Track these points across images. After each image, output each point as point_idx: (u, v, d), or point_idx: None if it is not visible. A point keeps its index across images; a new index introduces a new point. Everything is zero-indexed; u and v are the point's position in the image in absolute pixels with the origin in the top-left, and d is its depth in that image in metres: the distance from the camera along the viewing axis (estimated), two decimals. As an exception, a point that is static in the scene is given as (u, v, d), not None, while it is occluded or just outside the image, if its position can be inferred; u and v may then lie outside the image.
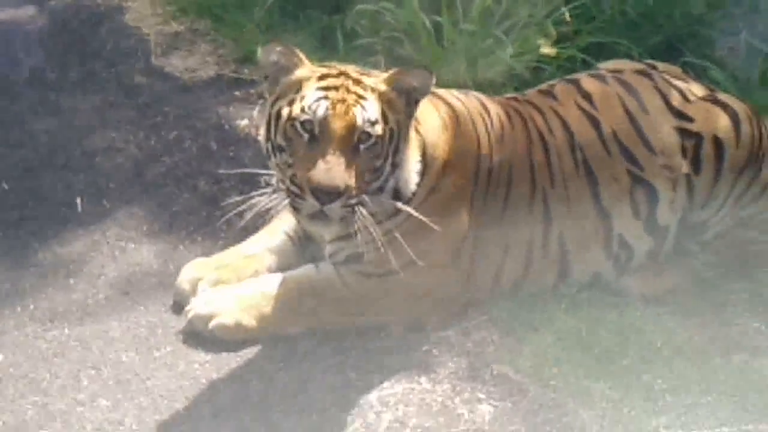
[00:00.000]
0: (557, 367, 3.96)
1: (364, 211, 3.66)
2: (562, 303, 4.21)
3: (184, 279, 4.15)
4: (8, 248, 4.40)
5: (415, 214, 3.83)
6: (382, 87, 3.82)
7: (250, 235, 4.34)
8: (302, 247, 4.26)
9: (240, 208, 3.75)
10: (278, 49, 3.85)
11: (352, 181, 3.60)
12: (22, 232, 4.49)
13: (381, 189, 3.79)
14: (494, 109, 4.22)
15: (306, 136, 3.67)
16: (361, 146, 3.69)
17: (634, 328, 4.12)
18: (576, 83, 4.42)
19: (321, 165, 3.57)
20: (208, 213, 4.61)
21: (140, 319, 4.11)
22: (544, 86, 4.53)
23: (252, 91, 5.18)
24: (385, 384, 3.89)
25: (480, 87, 4.57)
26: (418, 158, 3.94)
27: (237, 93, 5.18)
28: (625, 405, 3.80)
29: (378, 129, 3.71)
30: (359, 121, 3.67)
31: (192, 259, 4.26)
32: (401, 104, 3.84)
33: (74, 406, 3.75)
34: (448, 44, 5.19)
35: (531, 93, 4.46)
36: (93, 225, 4.52)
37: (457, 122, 4.08)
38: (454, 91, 4.29)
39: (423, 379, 3.91)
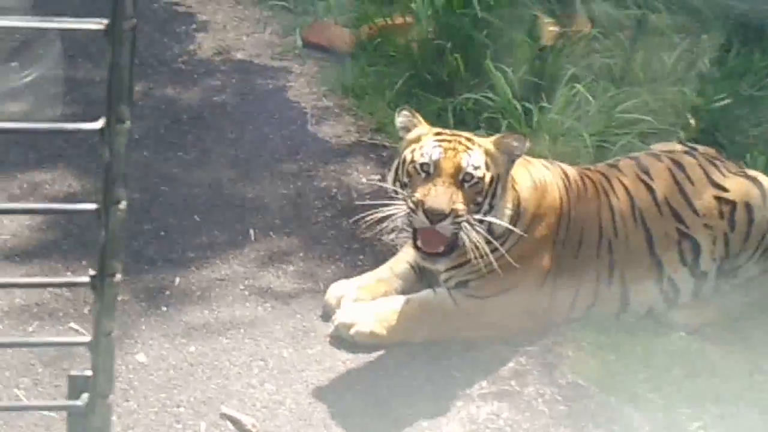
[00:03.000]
0: (618, 378, 4.01)
1: (471, 232, 3.77)
2: (622, 329, 4.24)
3: (331, 295, 4.25)
4: (199, 264, 4.44)
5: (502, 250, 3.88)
6: (487, 145, 3.93)
7: (382, 264, 4.40)
8: (422, 275, 4.33)
9: (375, 215, 3.92)
10: (404, 113, 4.04)
11: (455, 207, 3.76)
12: (211, 252, 4.53)
13: (480, 222, 3.84)
14: (572, 176, 4.28)
15: (423, 174, 3.79)
16: (466, 184, 3.77)
17: (679, 351, 4.17)
18: (636, 159, 4.48)
19: (432, 193, 3.73)
20: (348, 245, 4.67)
21: (297, 324, 4.21)
22: (611, 161, 4.57)
23: (384, 154, 5.22)
24: (483, 384, 3.96)
25: (559, 159, 4.59)
26: (511, 207, 3.98)
27: (372, 155, 5.27)
28: (671, 410, 3.86)
29: (479, 173, 3.84)
30: (464, 164, 3.83)
31: (337, 280, 4.34)
32: (501, 160, 3.95)
33: (247, 388, 3.87)
34: (536, 124, 5.22)
35: (600, 165, 4.52)
36: (263, 252, 4.60)
37: (544, 184, 4.13)
38: (542, 161, 4.35)
39: (513, 382, 3.98)
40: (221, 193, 4.96)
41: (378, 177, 5.03)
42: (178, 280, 4.37)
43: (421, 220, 3.82)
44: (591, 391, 3.93)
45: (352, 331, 4.06)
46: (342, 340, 4.08)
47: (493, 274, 4.02)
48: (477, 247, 3.83)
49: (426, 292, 4.17)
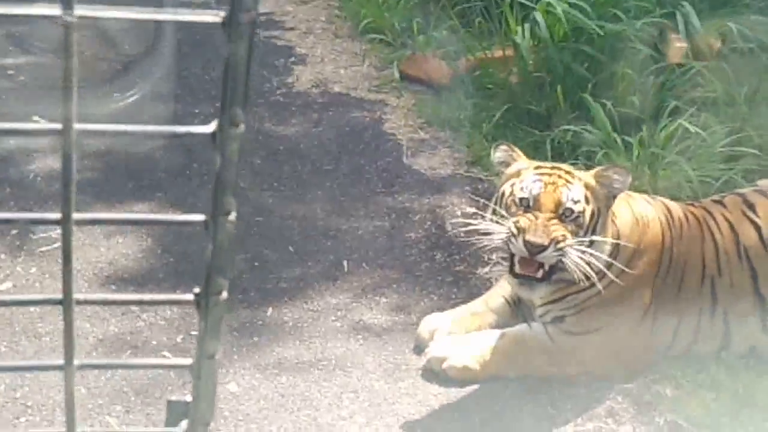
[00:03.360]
0: (718, 418, 3.89)
1: (573, 254, 3.69)
2: (723, 367, 4.13)
3: (424, 329, 4.21)
4: (292, 296, 4.46)
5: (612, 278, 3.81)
6: (588, 178, 3.86)
7: (476, 298, 4.35)
8: (517, 310, 4.28)
9: (473, 227, 3.87)
10: (503, 147, 3.99)
11: (555, 235, 3.70)
12: (304, 284, 4.56)
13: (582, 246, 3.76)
14: (676, 211, 4.20)
15: (523, 209, 3.75)
16: (566, 218, 3.73)
17: (783, 391, 4.01)
18: (742, 195, 4.37)
19: (532, 226, 3.69)
20: (442, 278, 4.64)
21: (389, 357, 4.19)
22: (716, 196, 4.47)
23: (479, 187, 5.18)
24: (578, 421, 3.89)
25: (660, 193, 4.50)
26: (611, 242, 3.91)
27: (467, 188, 5.23)
28: (774, 453, 3.70)
29: (580, 207, 3.78)
30: (564, 198, 3.76)
31: (430, 313, 4.31)
32: (602, 194, 3.88)
33: (337, 420, 3.85)
34: (636, 158, 5.13)
35: (705, 201, 4.42)
36: (356, 284, 4.60)
37: (647, 220, 4.05)
38: (645, 196, 4.27)
39: (609, 420, 3.90)
40: (316, 225, 4.97)
41: (474, 210, 4.99)
42: (270, 310, 4.38)
43: (520, 248, 3.77)
44: (690, 431, 3.81)
45: (444, 365, 4.02)
46: (434, 374, 4.04)
47: (591, 310, 3.96)
48: (579, 270, 3.75)
49: (521, 327, 4.12)
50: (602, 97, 5.43)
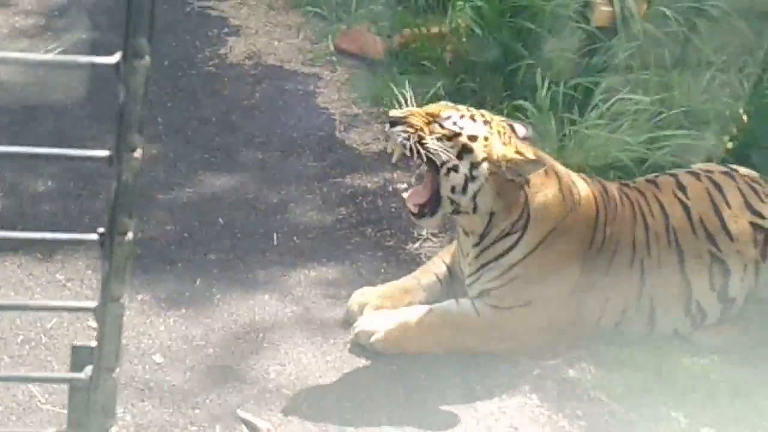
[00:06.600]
0: (640, 395, 4.00)
1: (430, 144, 3.97)
2: (647, 347, 4.24)
3: (353, 303, 4.28)
4: (220, 267, 4.51)
5: None
6: (491, 129, 4.09)
7: (405, 273, 4.44)
8: (448, 287, 4.36)
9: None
10: None
11: (411, 120, 4.00)
12: (233, 256, 4.60)
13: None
14: (611, 191, 4.29)
15: None
16: (438, 126, 4.03)
17: (703, 370, 4.16)
18: (675, 177, 4.49)
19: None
20: (373, 253, 4.70)
21: (317, 330, 4.25)
22: (650, 176, 4.59)
23: (411, 164, 5.22)
24: (504, 397, 3.98)
25: (589, 173, 4.61)
26: (517, 210, 4.07)
27: (400, 164, 5.24)
28: (693, 430, 3.83)
29: (455, 129, 4.02)
30: (445, 113, 4.08)
31: (360, 287, 4.37)
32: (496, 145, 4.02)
33: (264, 392, 3.93)
34: (568, 137, 5.23)
35: (639, 181, 4.55)
36: (285, 256, 4.65)
37: (578, 198, 4.14)
38: (583, 175, 4.37)
39: (534, 396, 4.00)
40: (246, 197, 5.02)
41: (404, 185, 5.07)
42: (198, 282, 4.42)
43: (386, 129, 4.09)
44: (612, 407, 3.93)
45: (372, 339, 4.09)
46: (362, 348, 4.11)
47: (515, 284, 4.07)
48: (439, 155, 3.95)
49: (448, 302, 4.20)
50: (536, 74, 5.52)
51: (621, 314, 4.24)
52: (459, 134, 4.00)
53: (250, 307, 4.33)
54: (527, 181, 4.01)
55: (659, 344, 4.25)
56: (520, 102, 5.44)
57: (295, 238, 4.76)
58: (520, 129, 4.25)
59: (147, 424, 3.71)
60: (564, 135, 5.27)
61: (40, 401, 3.72)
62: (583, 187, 4.24)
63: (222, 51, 6.32)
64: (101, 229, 1.07)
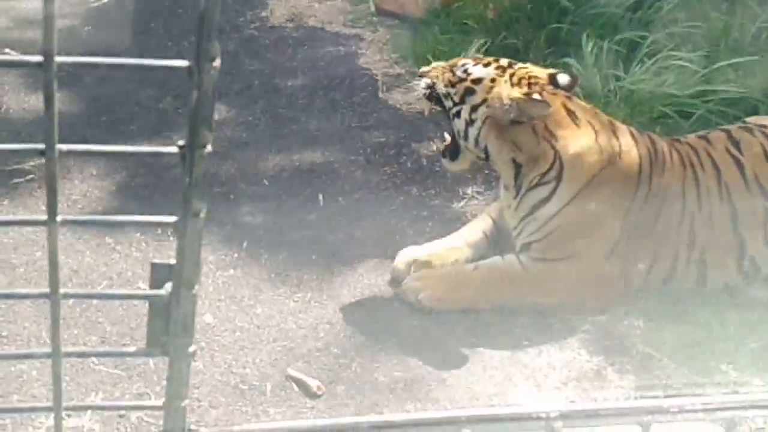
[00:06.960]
0: (690, 350, 3.99)
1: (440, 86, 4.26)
2: (698, 302, 4.22)
3: (400, 261, 4.28)
4: (267, 229, 4.53)
5: None
6: (505, 85, 4.16)
7: (450, 232, 4.44)
8: (495, 244, 4.37)
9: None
10: None
11: (433, 74, 4.32)
12: (279, 217, 4.61)
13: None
14: (660, 146, 4.25)
15: None
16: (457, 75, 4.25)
17: (755, 325, 4.12)
18: (727, 132, 4.44)
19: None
20: (418, 212, 4.70)
21: (364, 289, 4.28)
22: (702, 132, 4.55)
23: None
24: (552, 351, 3.97)
25: (638, 127, 4.58)
26: (544, 160, 4.10)
27: (442, 123, 5.22)
28: (745, 383, 3.81)
29: (463, 75, 4.22)
30: (461, 62, 4.35)
31: (407, 245, 4.37)
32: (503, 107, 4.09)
33: (313, 351, 3.96)
34: (612, 93, 5.20)
35: (690, 137, 4.50)
36: (331, 217, 4.68)
37: (617, 150, 4.12)
38: (632, 128, 4.33)
39: (582, 351, 4.00)
40: (290, 159, 5.03)
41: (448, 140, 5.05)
42: (246, 243, 4.45)
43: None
44: (663, 362, 3.93)
45: (420, 296, 4.11)
46: (410, 305, 4.13)
47: (555, 236, 4.08)
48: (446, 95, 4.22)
49: (494, 258, 4.22)
50: (581, 31, 5.50)
51: (670, 270, 4.22)
52: (464, 79, 4.18)
53: (297, 267, 4.35)
54: (534, 123, 4.04)
55: (709, 298, 4.23)
56: (565, 60, 5.41)
57: (340, 198, 4.78)
58: (563, 78, 4.25)
59: (198, 383, 3.74)
60: (609, 91, 5.24)
61: (93, 362, 3.77)
62: (626, 140, 4.20)
63: (263, 14, 6.33)
64: (181, 142, 1.09)
